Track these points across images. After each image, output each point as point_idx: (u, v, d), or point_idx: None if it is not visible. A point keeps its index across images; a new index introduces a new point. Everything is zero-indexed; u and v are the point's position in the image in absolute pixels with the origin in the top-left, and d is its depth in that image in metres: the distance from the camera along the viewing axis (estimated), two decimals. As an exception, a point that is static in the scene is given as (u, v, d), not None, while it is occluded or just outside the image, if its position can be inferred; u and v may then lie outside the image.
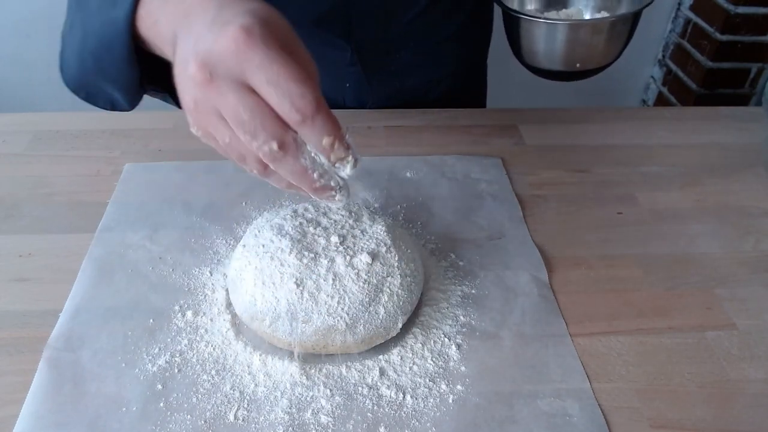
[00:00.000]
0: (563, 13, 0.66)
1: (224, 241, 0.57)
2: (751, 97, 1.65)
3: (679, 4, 1.67)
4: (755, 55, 1.57)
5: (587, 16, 0.66)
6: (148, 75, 0.45)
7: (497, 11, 0.66)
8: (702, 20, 1.58)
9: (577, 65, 0.60)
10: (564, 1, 0.67)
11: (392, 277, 0.46)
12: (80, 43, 0.46)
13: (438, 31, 0.78)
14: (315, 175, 0.35)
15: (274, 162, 0.34)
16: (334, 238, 0.47)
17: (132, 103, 0.48)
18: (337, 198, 0.37)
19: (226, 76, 0.32)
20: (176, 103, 0.51)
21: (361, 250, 0.46)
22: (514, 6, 0.65)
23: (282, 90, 0.32)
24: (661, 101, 1.80)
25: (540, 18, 0.60)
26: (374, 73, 0.77)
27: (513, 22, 0.61)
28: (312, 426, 0.42)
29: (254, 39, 0.31)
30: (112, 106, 0.50)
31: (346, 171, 0.37)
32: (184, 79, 0.34)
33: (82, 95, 0.50)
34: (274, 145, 0.33)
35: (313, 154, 0.36)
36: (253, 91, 0.32)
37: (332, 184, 0.37)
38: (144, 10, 0.40)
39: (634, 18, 0.60)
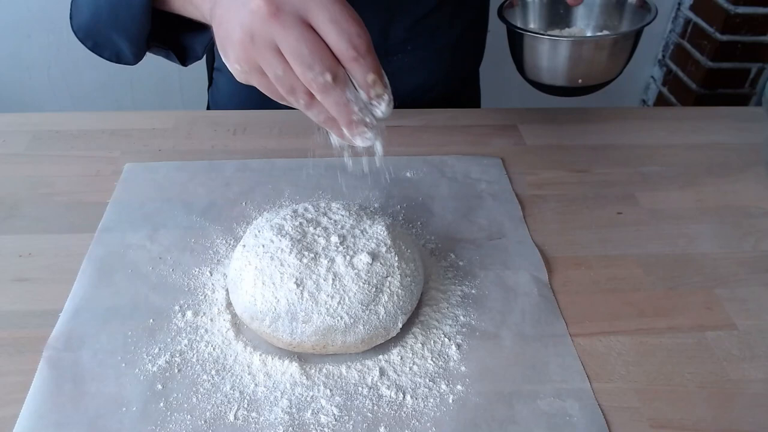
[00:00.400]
0: (566, 32, 0.67)
1: (224, 241, 0.57)
2: (751, 97, 1.65)
3: (679, 4, 1.67)
4: (755, 55, 1.56)
5: (589, 35, 0.67)
6: (154, 31, 0.47)
7: (493, 25, 0.67)
8: (702, 20, 1.58)
9: (580, 81, 0.61)
10: (567, 21, 0.68)
11: (392, 277, 0.46)
12: None
13: (436, 39, 0.79)
14: (355, 108, 0.38)
15: (324, 92, 0.37)
16: (334, 238, 0.47)
17: (137, 57, 0.51)
18: (368, 136, 0.39)
19: (290, 12, 0.35)
20: (179, 59, 0.52)
21: (361, 250, 0.46)
22: (517, 23, 0.66)
23: (342, 28, 0.36)
24: (661, 101, 1.80)
25: (544, 35, 0.61)
26: None
27: (517, 38, 0.62)
28: (312, 426, 0.42)
29: None
30: (117, 58, 0.52)
31: (381, 108, 0.40)
32: (243, 14, 0.36)
33: (89, 44, 0.52)
34: (328, 77, 0.36)
35: (352, 95, 0.39)
36: (312, 28, 0.36)
37: (369, 123, 0.39)
38: None
39: (636, 36, 0.61)
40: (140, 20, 0.46)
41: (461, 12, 0.79)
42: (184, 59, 0.53)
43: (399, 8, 0.73)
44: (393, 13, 0.73)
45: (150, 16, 0.46)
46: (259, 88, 0.40)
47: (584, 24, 0.68)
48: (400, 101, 0.80)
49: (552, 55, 0.60)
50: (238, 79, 0.40)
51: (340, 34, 0.36)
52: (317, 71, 0.36)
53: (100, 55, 0.52)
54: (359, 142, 0.40)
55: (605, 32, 0.66)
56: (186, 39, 0.49)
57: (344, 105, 0.38)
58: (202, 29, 0.50)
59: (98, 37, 0.50)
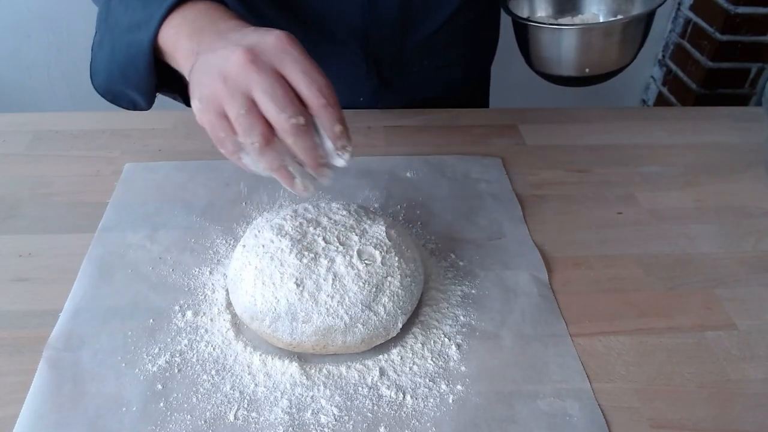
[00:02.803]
0: (578, 19, 0.65)
1: (224, 241, 0.57)
2: (751, 97, 1.65)
3: (679, 4, 1.66)
4: (755, 55, 1.56)
5: (595, 21, 0.65)
6: (161, 80, 0.54)
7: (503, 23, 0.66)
8: (702, 20, 1.58)
9: (587, 70, 0.59)
10: (578, 7, 0.66)
11: (392, 277, 0.46)
12: (108, 58, 0.55)
13: (450, 50, 0.79)
14: (320, 152, 0.41)
15: (296, 135, 0.39)
16: (334, 238, 0.47)
17: (149, 104, 0.57)
18: (329, 176, 0.43)
19: (266, 61, 0.40)
20: (184, 100, 0.60)
21: (361, 250, 0.46)
22: (525, 13, 0.65)
23: (312, 78, 0.39)
24: (661, 101, 1.80)
25: (545, 24, 0.60)
26: (389, 86, 0.78)
27: (521, 29, 0.61)
28: (312, 426, 0.42)
29: (293, 41, 0.40)
30: (134, 107, 0.59)
31: (344, 158, 0.42)
32: (221, 62, 0.40)
33: (109, 98, 0.59)
34: (302, 120, 0.39)
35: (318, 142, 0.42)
36: (284, 78, 0.40)
37: (332, 166, 0.42)
38: (167, 32, 0.49)
39: (647, 20, 0.59)
40: (146, 77, 0.52)
41: (475, 20, 0.79)
42: (188, 101, 0.59)
43: (413, 24, 0.74)
44: (407, 28, 0.74)
45: (154, 73, 0.52)
46: (208, 127, 0.42)
47: (596, 9, 0.66)
48: (419, 107, 0.80)
49: (556, 44, 0.59)
50: (196, 117, 0.43)
51: (311, 84, 0.39)
52: (290, 113, 0.39)
53: (119, 105, 0.59)
54: (323, 180, 0.43)
55: (619, 17, 0.64)
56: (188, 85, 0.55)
57: (313, 149, 0.41)
58: None
59: (115, 92, 0.58)
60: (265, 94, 0.39)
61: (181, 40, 0.48)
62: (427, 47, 0.77)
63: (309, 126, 0.40)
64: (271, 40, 0.40)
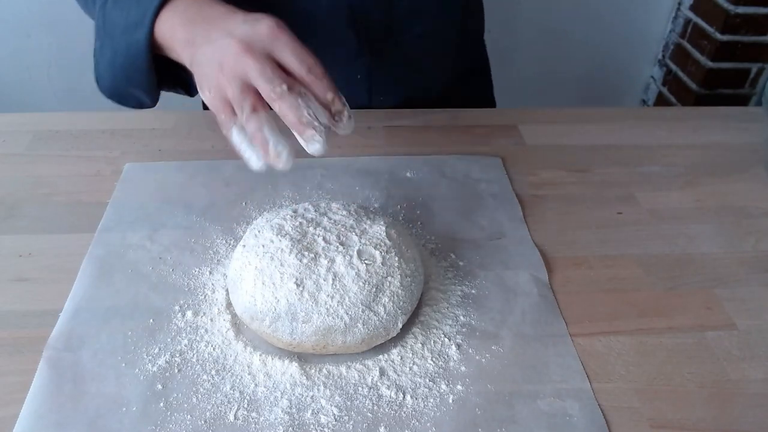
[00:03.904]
0: None
1: (224, 241, 0.57)
2: (751, 97, 1.65)
3: (679, 4, 1.66)
4: (755, 55, 1.56)
5: None
6: (163, 76, 0.57)
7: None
8: (702, 20, 1.58)
9: None
10: None
11: (392, 277, 0.46)
12: (110, 61, 0.57)
13: (439, 12, 0.79)
14: (304, 112, 0.43)
15: (280, 99, 0.43)
16: (334, 238, 0.47)
17: (154, 101, 0.60)
18: (316, 139, 0.43)
19: (259, 49, 0.44)
20: (186, 92, 0.63)
21: (361, 250, 0.46)
22: None
23: (302, 59, 0.44)
24: (661, 101, 1.80)
25: None
26: (382, 57, 0.78)
27: None
28: (312, 426, 0.42)
29: (282, 28, 0.44)
30: (140, 105, 0.61)
31: (343, 124, 0.46)
32: (219, 53, 0.45)
33: (116, 99, 0.62)
34: (285, 87, 0.43)
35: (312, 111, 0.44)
36: (275, 61, 0.44)
37: (317, 126, 0.43)
38: (161, 28, 0.51)
39: None
40: (148, 75, 0.55)
41: None
42: (190, 92, 0.63)
43: None
44: None
45: (153, 69, 0.55)
46: (214, 112, 0.47)
47: None
48: (410, 100, 0.80)
49: None
50: (208, 105, 0.47)
51: (301, 63, 0.44)
52: (276, 84, 0.43)
53: (126, 105, 0.62)
54: (309, 148, 0.44)
55: None
56: (189, 77, 0.58)
57: (296, 108, 0.43)
58: None
59: (121, 94, 0.61)
60: (257, 73, 0.43)
61: (176, 33, 0.50)
62: (414, 12, 0.77)
63: (294, 91, 0.43)
64: (263, 29, 0.44)
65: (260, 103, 0.44)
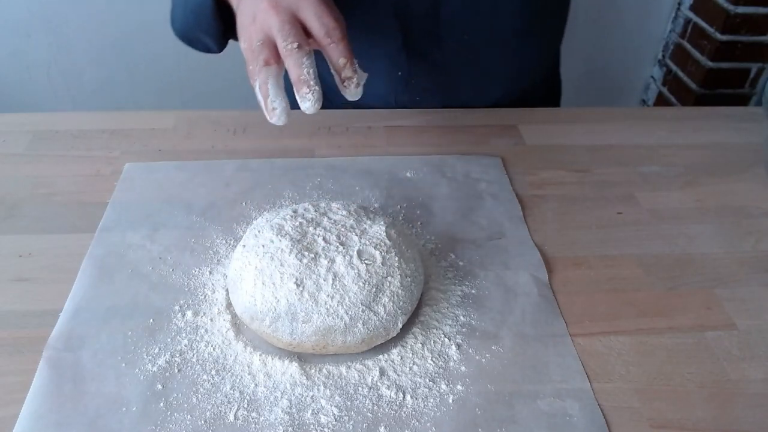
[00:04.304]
0: None
1: (224, 241, 0.57)
2: (751, 97, 1.65)
3: (679, 4, 1.67)
4: (755, 55, 1.56)
5: None
6: (229, 26, 0.61)
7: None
8: (702, 20, 1.58)
9: None
10: None
11: (392, 277, 0.46)
12: (183, 5, 0.64)
13: (495, 22, 0.72)
14: (305, 71, 0.46)
15: (288, 56, 0.46)
16: (334, 238, 0.47)
17: (220, 48, 0.66)
18: (307, 97, 0.46)
19: (285, 7, 0.47)
20: None
21: (361, 250, 0.46)
22: None
23: (322, 21, 0.46)
24: (661, 101, 1.80)
25: None
26: (422, 67, 0.75)
27: None
28: (312, 426, 0.42)
29: None
30: (207, 50, 0.68)
31: (350, 89, 0.48)
32: (253, 7, 0.49)
33: (186, 42, 0.68)
34: (295, 44, 0.46)
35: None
36: (298, 20, 0.47)
37: (312, 86, 0.46)
38: None
39: None
40: (213, 22, 0.60)
41: None
42: None
43: None
44: None
45: (218, 17, 0.60)
46: (245, 59, 0.50)
47: None
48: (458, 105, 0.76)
49: None
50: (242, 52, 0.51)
51: (321, 25, 0.46)
52: (289, 41, 0.46)
53: (195, 49, 0.68)
54: (304, 104, 0.46)
55: None
56: None
57: (299, 66, 0.46)
58: None
59: (190, 37, 0.66)
60: (277, 29, 0.47)
61: None
62: (465, 15, 0.70)
63: (303, 50, 0.46)
64: None
65: (275, 57, 0.47)
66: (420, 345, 0.47)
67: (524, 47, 0.77)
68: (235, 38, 0.62)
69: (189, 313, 0.49)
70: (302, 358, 0.46)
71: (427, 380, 0.45)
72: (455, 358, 0.47)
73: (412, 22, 0.72)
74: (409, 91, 0.78)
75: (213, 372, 0.45)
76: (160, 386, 0.44)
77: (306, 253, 0.46)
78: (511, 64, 0.78)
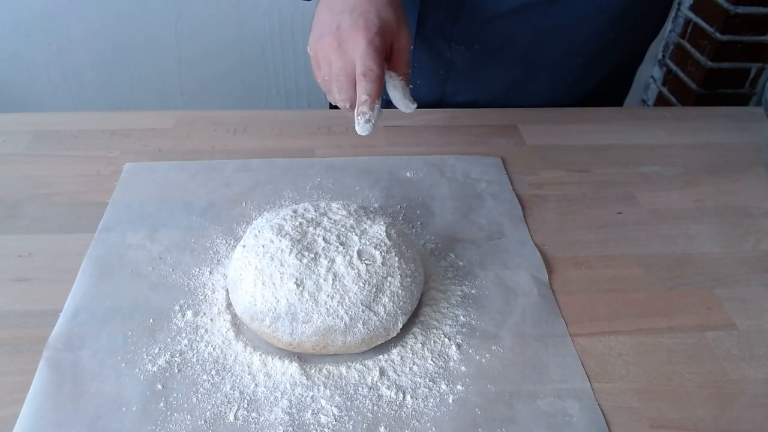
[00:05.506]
0: None
1: (224, 241, 0.57)
2: (751, 97, 1.65)
3: (679, 4, 1.66)
4: (755, 55, 1.56)
5: None
6: None
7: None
8: (702, 20, 1.58)
9: None
10: None
11: (392, 277, 0.46)
12: None
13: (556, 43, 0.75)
14: (338, 95, 0.53)
15: (337, 82, 0.53)
16: (334, 238, 0.47)
17: None
18: (362, 126, 0.51)
19: (345, 50, 0.52)
20: None
21: (361, 250, 0.46)
22: None
23: (365, 63, 0.51)
24: (661, 101, 1.80)
25: None
26: (461, 68, 0.79)
27: None
28: (312, 426, 0.42)
29: (368, 39, 0.51)
30: None
31: (360, 123, 0.51)
32: (325, 26, 0.54)
33: None
34: (343, 78, 0.52)
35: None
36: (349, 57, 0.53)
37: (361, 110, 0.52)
38: None
39: None
40: None
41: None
42: None
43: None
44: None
45: None
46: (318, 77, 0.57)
47: None
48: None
49: None
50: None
51: (361, 66, 0.51)
52: (336, 74, 0.53)
53: None
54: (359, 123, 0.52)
55: None
56: None
57: (347, 101, 0.53)
58: None
59: None
60: (334, 67, 0.53)
61: None
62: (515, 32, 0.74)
63: (350, 80, 0.52)
64: (352, 36, 0.52)
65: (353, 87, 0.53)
66: (420, 345, 0.47)
67: (607, 56, 0.78)
68: None
69: (189, 313, 0.49)
70: (302, 358, 0.46)
71: (427, 380, 0.45)
72: (455, 358, 0.47)
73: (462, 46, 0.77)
74: (442, 93, 0.83)
75: (213, 372, 0.45)
76: (160, 386, 0.44)
77: (306, 253, 0.46)
78: (592, 71, 0.80)
